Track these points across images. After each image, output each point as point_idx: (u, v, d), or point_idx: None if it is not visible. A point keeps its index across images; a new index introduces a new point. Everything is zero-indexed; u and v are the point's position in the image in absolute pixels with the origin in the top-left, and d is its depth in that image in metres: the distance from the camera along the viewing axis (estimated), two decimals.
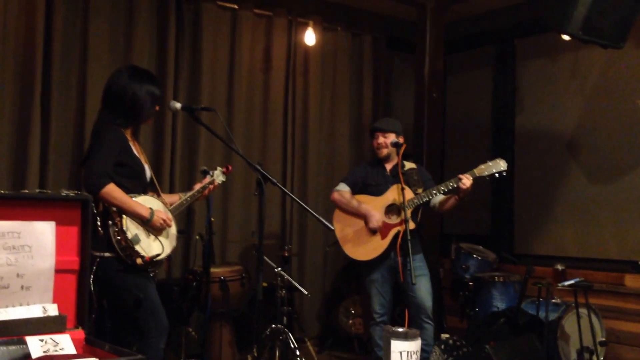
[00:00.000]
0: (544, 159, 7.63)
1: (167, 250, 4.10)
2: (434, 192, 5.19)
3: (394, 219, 5.28)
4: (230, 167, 4.81)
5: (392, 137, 5.43)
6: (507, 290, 6.36)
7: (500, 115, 8.23)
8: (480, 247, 7.17)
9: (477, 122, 8.51)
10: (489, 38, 8.40)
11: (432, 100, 7.09)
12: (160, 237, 4.07)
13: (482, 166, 5.14)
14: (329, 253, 7.19)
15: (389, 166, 5.53)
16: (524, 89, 7.98)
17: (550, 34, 7.12)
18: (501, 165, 5.13)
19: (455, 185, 5.08)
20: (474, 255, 6.85)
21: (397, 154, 5.29)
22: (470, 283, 6.67)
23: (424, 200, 5.20)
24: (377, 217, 5.30)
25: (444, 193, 5.22)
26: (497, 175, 5.14)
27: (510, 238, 7.91)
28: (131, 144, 4.09)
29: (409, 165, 5.51)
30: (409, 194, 5.18)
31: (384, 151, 5.49)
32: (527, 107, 7.91)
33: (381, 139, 5.48)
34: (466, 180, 5.04)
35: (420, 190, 5.27)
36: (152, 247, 4.00)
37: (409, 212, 5.07)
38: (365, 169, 5.65)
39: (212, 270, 5.67)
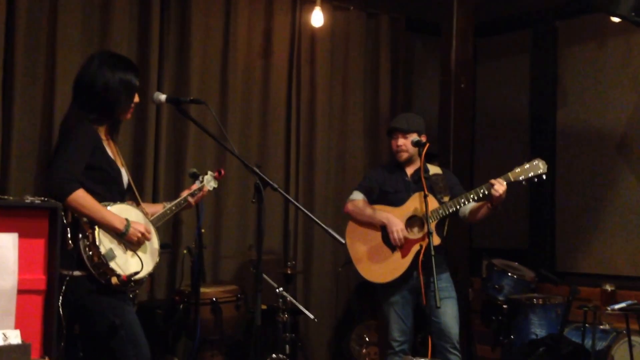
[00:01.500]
0: (591, 161, 7.60)
1: (148, 267, 4.08)
2: (462, 200, 5.14)
3: (416, 233, 5.24)
4: (222, 171, 4.79)
5: (414, 137, 5.38)
6: (548, 315, 6.33)
7: (539, 109, 8.20)
8: (516, 263, 7.14)
9: (512, 118, 8.49)
10: (526, 20, 8.37)
11: (460, 91, 7.07)
12: (139, 252, 4.05)
13: (518, 169, 5.10)
14: (340, 273, 7.16)
15: (410, 170, 5.49)
16: (566, 79, 7.95)
17: (598, 15, 7.10)
18: (540, 167, 5.08)
19: (486, 192, 5.04)
20: (509, 274, 6.83)
21: (420, 154, 5.23)
22: (504, 306, 6.65)
23: (451, 210, 5.15)
24: (399, 225, 5.26)
25: (474, 201, 5.18)
26: (535, 179, 5.09)
27: (551, 253, 7.87)
28: (105, 144, 4.08)
29: (434, 169, 5.47)
30: (433, 203, 5.14)
31: (404, 155, 5.46)
32: (571, 100, 7.88)
33: (401, 141, 5.43)
34: (499, 186, 4.98)
35: (446, 199, 5.22)
36: (130, 263, 3.98)
37: (433, 225, 5.03)
38: (382, 174, 5.61)
39: (203, 290, 5.65)
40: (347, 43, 7.98)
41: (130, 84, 4.15)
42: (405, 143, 5.41)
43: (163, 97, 4.30)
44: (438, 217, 5.15)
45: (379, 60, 8.21)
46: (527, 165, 5.09)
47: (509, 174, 5.09)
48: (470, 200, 5.12)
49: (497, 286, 6.78)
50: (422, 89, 8.70)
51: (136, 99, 4.23)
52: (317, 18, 7.44)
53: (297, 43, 7.58)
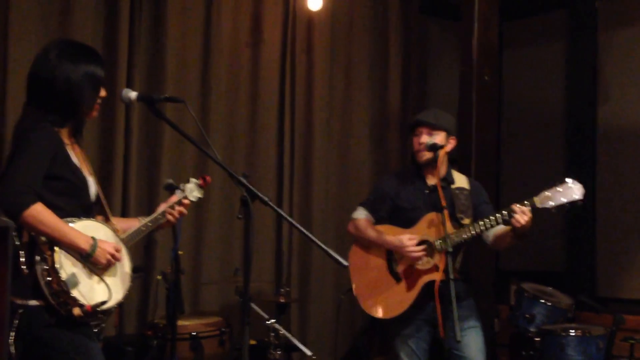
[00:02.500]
0: (638, 168, 7.61)
1: (117, 296, 4.07)
2: (478, 228, 5.01)
3: (426, 262, 5.22)
4: (208, 178, 4.76)
5: (441, 138, 5.21)
6: (588, 348, 6.33)
7: (576, 106, 8.23)
8: (550, 288, 7.15)
9: (545, 116, 8.51)
10: (561, 0, 8.40)
11: (484, 84, 7.09)
12: (107, 278, 4.05)
13: (547, 193, 4.90)
14: (343, 301, 7.15)
15: (431, 180, 5.28)
16: (608, 69, 7.97)
17: None
18: (575, 192, 4.87)
19: (506, 219, 4.91)
20: (542, 300, 6.83)
21: (436, 160, 5.11)
22: (537, 338, 6.66)
23: (464, 237, 5.03)
24: (407, 240, 5.13)
25: (491, 227, 5.05)
26: (567, 206, 4.91)
27: (591, 276, 7.90)
28: (69, 148, 4.07)
29: (460, 180, 5.37)
30: (449, 226, 5.02)
31: (426, 155, 5.21)
32: (614, 95, 7.90)
33: (425, 137, 5.21)
34: (520, 216, 4.82)
35: (467, 221, 5.13)
36: (96, 291, 3.97)
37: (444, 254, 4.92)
38: (395, 184, 5.44)
39: (180, 323, 5.67)
40: (350, 29, 8.02)
41: (96, 77, 4.15)
42: (430, 141, 5.19)
43: (133, 94, 4.28)
44: (452, 244, 4.98)
45: (388, 49, 8.25)
46: (559, 189, 4.89)
47: (535, 199, 4.90)
48: (488, 227, 5.00)
49: (527, 315, 6.78)
50: (438, 82, 8.72)
51: (102, 93, 4.23)
52: (314, 0, 7.47)
53: (291, 30, 7.62)
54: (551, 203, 4.87)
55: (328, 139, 7.80)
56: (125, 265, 4.18)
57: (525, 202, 4.88)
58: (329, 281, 7.58)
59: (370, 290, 5.33)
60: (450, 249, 4.78)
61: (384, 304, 5.28)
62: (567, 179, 4.91)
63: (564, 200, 4.86)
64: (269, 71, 7.52)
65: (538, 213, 4.92)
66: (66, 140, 4.06)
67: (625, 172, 7.72)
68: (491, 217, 4.96)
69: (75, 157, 4.09)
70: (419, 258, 5.13)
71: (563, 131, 8.33)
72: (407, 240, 5.12)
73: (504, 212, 4.90)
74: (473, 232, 5.01)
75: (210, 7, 7.16)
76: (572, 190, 4.86)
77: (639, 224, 7.55)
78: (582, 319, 7.11)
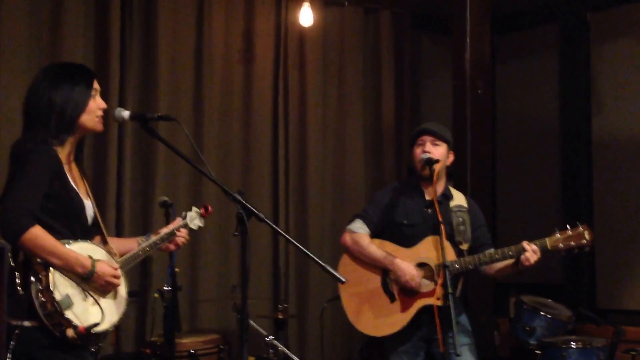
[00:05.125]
0: (635, 179, 7.58)
1: (112, 318, 4.00)
2: (485, 260, 4.98)
3: (425, 286, 5.08)
4: (210, 207, 4.69)
5: (443, 150, 5.11)
6: None
7: (570, 117, 8.21)
8: (550, 300, 7.10)
9: (539, 129, 8.48)
10: (553, 12, 8.40)
11: (477, 98, 7.04)
12: (102, 300, 3.98)
13: (558, 235, 4.99)
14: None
15: (430, 194, 5.12)
16: (602, 80, 7.95)
17: (636, 5, 7.11)
18: (585, 237, 4.99)
19: (513, 256, 4.93)
20: (541, 313, 6.79)
21: (431, 177, 4.95)
22: (537, 351, 6.61)
23: (470, 267, 5.01)
24: (409, 271, 5.04)
25: (497, 261, 5.03)
26: (575, 250, 5.02)
27: (590, 288, 7.86)
28: (67, 169, 4.02)
29: (457, 197, 5.28)
30: (449, 251, 4.93)
31: (427, 168, 5.04)
32: (608, 106, 7.88)
33: (429, 147, 5.08)
34: (531, 255, 4.86)
35: (465, 246, 5.10)
36: (90, 313, 3.90)
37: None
38: (394, 197, 5.30)
39: (178, 341, 5.61)
40: (342, 44, 8.00)
41: (74, 94, 4.08)
42: (433, 151, 5.05)
43: (126, 113, 4.24)
44: (454, 272, 4.94)
45: (380, 63, 8.23)
46: (569, 233, 4.99)
47: (547, 240, 4.97)
48: (495, 260, 5.00)
49: (527, 328, 6.74)
50: (432, 96, 8.70)
51: (101, 103, 4.18)
52: (306, 16, 7.46)
53: (284, 46, 7.61)
54: (561, 245, 4.99)
55: (322, 154, 7.78)
56: (122, 288, 4.12)
57: (537, 242, 4.94)
58: (326, 297, 7.51)
59: (361, 305, 5.21)
60: (448, 264, 4.71)
61: (375, 321, 5.16)
62: (578, 224, 5.02)
63: (573, 243, 4.98)
64: (261, 87, 7.50)
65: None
66: (65, 160, 4.02)
67: (622, 182, 7.69)
68: (499, 251, 4.98)
69: (73, 178, 4.04)
70: (413, 288, 5.03)
71: (558, 143, 8.30)
72: (416, 277, 5.01)
73: (513, 248, 4.93)
74: (478, 263, 5.01)
75: (202, 24, 7.14)
76: (582, 236, 4.99)
77: (638, 234, 7.51)
78: (582, 331, 7.07)
